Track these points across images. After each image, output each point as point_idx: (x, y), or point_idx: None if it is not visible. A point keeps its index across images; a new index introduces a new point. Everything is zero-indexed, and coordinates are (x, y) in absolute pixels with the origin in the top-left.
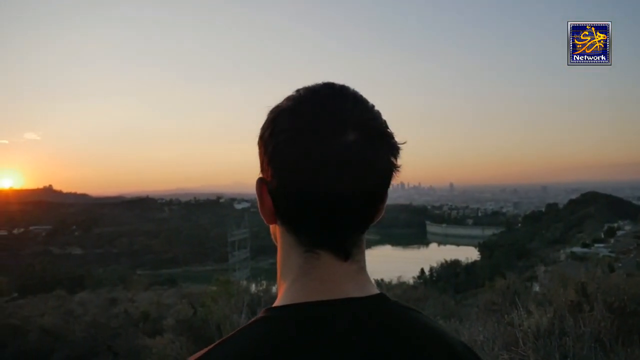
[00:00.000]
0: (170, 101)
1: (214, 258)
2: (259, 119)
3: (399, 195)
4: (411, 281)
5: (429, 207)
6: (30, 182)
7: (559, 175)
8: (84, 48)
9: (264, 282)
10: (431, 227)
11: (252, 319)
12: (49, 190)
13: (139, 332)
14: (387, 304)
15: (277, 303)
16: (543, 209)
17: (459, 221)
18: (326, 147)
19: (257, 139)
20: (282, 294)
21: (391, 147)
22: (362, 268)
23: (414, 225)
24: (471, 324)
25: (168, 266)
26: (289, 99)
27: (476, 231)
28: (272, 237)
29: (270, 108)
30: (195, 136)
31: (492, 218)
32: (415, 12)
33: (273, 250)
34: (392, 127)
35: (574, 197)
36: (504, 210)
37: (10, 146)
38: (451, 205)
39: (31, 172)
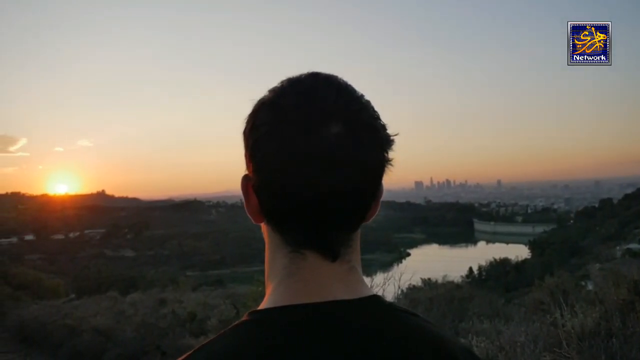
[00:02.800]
0: (217, 104)
1: (260, 259)
2: None
3: (445, 193)
4: (459, 280)
5: (476, 204)
6: (84, 187)
7: (613, 170)
8: (132, 55)
9: None
10: (479, 225)
11: (235, 322)
12: (102, 195)
13: (186, 332)
14: (378, 306)
15: (262, 305)
16: (596, 205)
17: (508, 219)
18: (308, 141)
19: None
20: (268, 296)
21: (380, 140)
22: (354, 268)
23: (461, 223)
24: (516, 324)
25: (216, 267)
26: (271, 90)
27: (526, 229)
28: (264, 236)
29: (255, 101)
30: (241, 139)
31: (542, 215)
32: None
33: None
34: (437, 125)
35: (629, 191)
36: (555, 206)
37: (65, 153)
38: (499, 203)
39: (85, 178)
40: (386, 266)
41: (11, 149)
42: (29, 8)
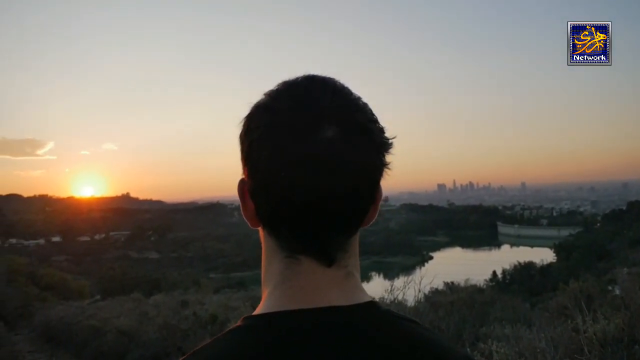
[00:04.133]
0: (241, 107)
1: None
2: None
3: (469, 196)
4: (482, 284)
5: (500, 207)
6: (110, 190)
7: None
8: (156, 59)
9: None
10: (503, 228)
11: (229, 328)
12: (126, 197)
13: (207, 334)
14: (375, 313)
15: (257, 311)
16: (624, 207)
17: (532, 222)
18: (301, 144)
19: None
20: (263, 301)
21: (376, 143)
22: (350, 274)
23: (484, 226)
24: (537, 330)
25: (239, 269)
26: (267, 94)
27: (551, 232)
28: (261, 241)
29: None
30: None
31: (568, 218)
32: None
33: None
34: (459, 127)
35: None
36: (581, 209)
37: (91, 157)
38: (524, 205)
39: (110, 181)
40: (408, 269)
41: (39, 152)
42: (55, 14)
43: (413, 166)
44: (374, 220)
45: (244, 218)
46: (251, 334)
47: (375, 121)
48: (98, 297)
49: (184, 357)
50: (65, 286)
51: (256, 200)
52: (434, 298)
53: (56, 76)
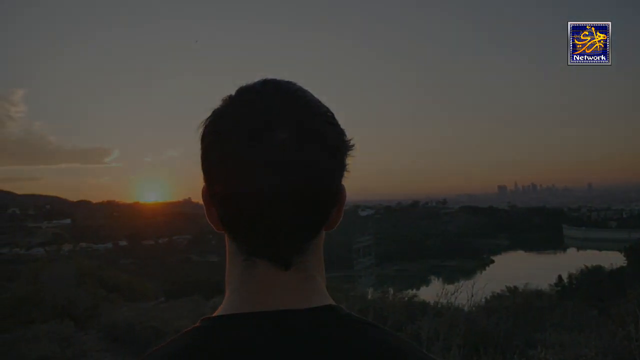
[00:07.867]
0: None
1: (339, 265)
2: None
3: (531, 197)
4: (547, 288)
5: (565, 209)
6: (172, 195)
7: None
8: (217, 68)
9: (391, 289)
10: (568, 231)
11: (187, 329)
12: (188, 202)
13: None
14: (332, 316)
15: (216, 312)
16: None
17: (601, 224)
18: (251, 148)
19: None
20: (223, 303)
21: (329, 146)
22: (310, 277)
23: (548, 228)
24: (586, 337)
25: None
26: (223, 99)
27: (621, 234)
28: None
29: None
30: None
31: (639, 219)
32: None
33: (398, 256)
34: (520, 127)
35: None
36: None
37: (154, 163)
38: (590, 207)
39: (172, 186)
40: (469, 273)
41: (106, 160)
42: (122, 28)
43: (471, 167)
44: (335, 223)
45: (209, 222)
46: (204, 335)
47: (332, 124)
48: (162, 299)
49: (141, 357)
50: (130, 288)
51: (215, 205)
52: (491, 302)
53: (121, 85)
